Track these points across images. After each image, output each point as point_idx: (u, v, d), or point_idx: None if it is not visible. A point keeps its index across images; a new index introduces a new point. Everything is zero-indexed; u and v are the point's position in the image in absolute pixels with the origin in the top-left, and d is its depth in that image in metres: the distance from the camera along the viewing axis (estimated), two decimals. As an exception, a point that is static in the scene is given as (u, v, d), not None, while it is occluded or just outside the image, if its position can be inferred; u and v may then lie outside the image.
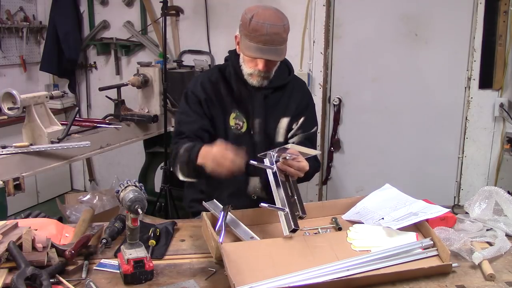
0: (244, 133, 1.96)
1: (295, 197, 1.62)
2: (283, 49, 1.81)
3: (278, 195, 1.62)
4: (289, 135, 2.03)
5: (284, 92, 2.01)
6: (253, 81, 1.89)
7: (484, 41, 2.97)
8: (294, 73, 2.07)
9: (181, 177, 1.87)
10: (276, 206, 1.60)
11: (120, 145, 3.17)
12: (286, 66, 2.02)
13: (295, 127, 2.02)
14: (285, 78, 2.00)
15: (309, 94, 2.15)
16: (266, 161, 1.69)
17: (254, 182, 1.98)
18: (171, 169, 1.98)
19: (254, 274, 1.35)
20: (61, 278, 1.35)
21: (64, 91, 3.79)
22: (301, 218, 1.58)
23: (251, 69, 1.86)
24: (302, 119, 2.03)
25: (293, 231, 1.51)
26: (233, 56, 1.95)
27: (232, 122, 1.95)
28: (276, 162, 1.66)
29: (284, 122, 2.01)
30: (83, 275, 1.40)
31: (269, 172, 1.68)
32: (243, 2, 3.54)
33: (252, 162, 1.63)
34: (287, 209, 1.56)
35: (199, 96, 1.94)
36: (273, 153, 1.67)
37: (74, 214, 3.25)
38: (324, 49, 3.39)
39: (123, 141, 3.19)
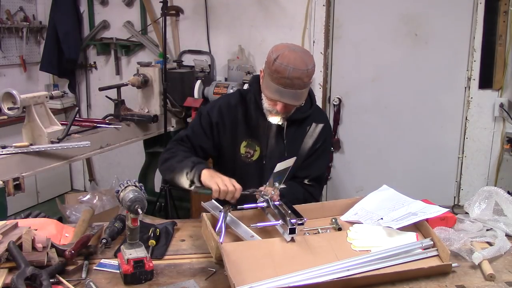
0: (256, 161, 1.94)
1: (289, 211, 1.60)
2: (303, 93, 1.77)
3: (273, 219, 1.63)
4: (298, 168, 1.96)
5: (303, 124, 1.95)
6: (271, 117, 1.87)
7: (484, 41, 2.98)
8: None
9: (164, 175, 1.93)
10: (268, 223, 1.61)
11: (120, 145, 3.17)
12: (308, 96, 1.93)
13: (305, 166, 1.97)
14: (305, 111, 1.94)
15: (329, 132, 2.07)
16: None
17: None
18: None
19: (254, 274, 1.35)
20: (61, 278, 1.35)
21: (64, 91, 3.80)
22: (302, 224, 1.55)
23: (270, 106, 1.84)
24: (312, 159, 1.97)
25: (293, 231, 1.51)
26: (255, 84, 1.93)
27: (242, 150, 1.94)
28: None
29: (305, 147, 1.96)
30: (83, 275, 1.40)
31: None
32: (243, 2, 3.56)
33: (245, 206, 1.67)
34: (280, 221, 1.56)
35: (212, 118, 1.94)
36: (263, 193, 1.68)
37: (74, 214, 3.26)
38: (324, 49, 3.39)
39: (123, 141, 3.18)
